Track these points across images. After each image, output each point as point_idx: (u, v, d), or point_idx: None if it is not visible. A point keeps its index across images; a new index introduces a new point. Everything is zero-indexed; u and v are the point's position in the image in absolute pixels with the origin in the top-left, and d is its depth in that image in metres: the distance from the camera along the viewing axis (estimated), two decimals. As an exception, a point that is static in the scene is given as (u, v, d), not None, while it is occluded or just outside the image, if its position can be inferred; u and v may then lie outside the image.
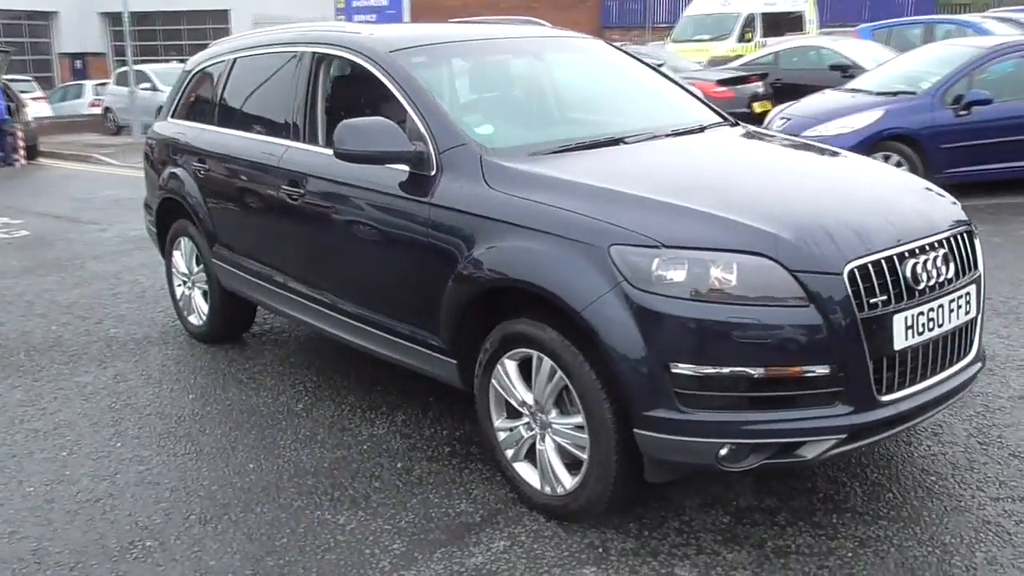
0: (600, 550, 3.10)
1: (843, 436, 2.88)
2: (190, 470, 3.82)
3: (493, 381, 3.41)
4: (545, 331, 3.14)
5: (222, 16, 33.56)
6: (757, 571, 2.95)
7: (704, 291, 2.83)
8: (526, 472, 3.39)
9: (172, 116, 5.59)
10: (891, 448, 3.73)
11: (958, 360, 3.19)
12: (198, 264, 5.29)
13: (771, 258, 2.82)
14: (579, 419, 3.10)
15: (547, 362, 3.15)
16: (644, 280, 2.87)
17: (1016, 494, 3.36)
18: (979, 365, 3.33)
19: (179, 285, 5.56)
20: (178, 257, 5.47)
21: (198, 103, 5.35)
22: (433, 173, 3.56)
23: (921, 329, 2.98)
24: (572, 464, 3.23)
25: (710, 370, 2.83)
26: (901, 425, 3.04)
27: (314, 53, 4.35)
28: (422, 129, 3.64)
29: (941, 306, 3.05)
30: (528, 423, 3.33)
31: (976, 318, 3.26)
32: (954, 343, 3.15)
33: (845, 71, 12.47)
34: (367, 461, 3.84)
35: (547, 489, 3.30)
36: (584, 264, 2.99)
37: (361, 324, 3.99)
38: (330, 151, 4.08)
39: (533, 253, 3.13)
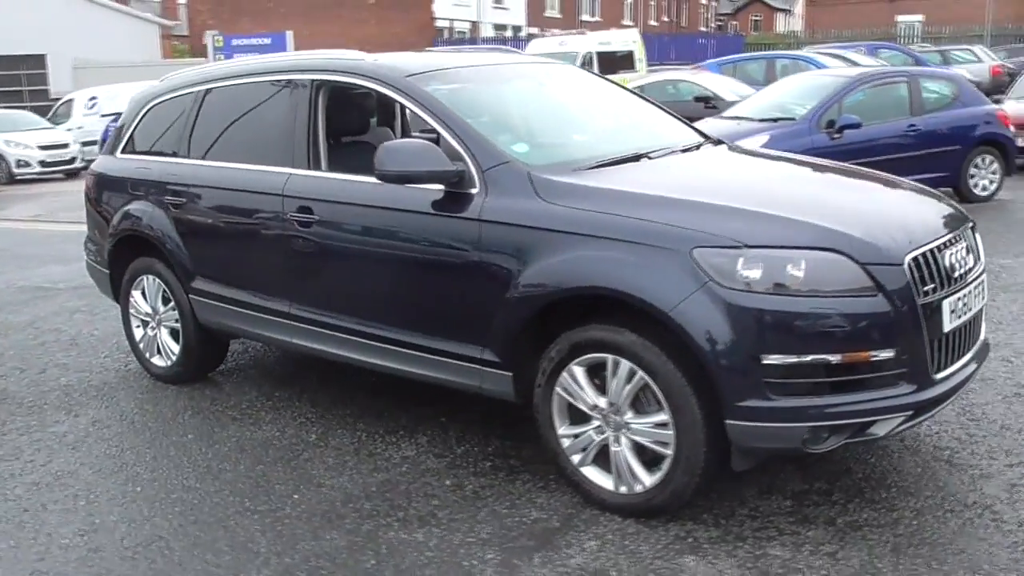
0: (690, 540, 3.26)
1: (909, 413, 3.17)
2: (233, 505, 3.70)
3: (558, 389, 3.51)
4: (623, 335, 3.29)
5: (38, 61, 31.76)
6: (841, 544, 3.18)
7: (786, 286, 3.07)
8: (595, 476, 3.50)
9: (122, 151, 5.37)
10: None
11: (975, 342, 3.57)
12: (165, 303, 5.08)
13: (843, 253, 3.09)
14: (661, 417, 3.25)
15: (625, 365, 3.29)
16: (730, 279, 3.07)
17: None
18: (987, 346, 3.73)
19: (138, 327, 5.31)
20: (138, 297, 5.23)
21: (160, 136, 5.17)
22: (476, 191, 3.65)
23: (960, 313, 3.33)
24: (648, 462, 3.36)
25: (794, 359, 3.05)
26: (945, 402, 3.36)
27: (313, 80, 4.34)
28: (460, 149, 3.72)
29: (969, 292, 3.42)
30: (599, 427, 3.45)
31: (984, 304, 3.66)
32: (974, 326, 3.53)
33: (708, 102, 13.29)
34: (414, 482, 3.84)
35: (623, 489, 3.42)
36: (667, 268, 3.16)
37: (393, 347, 3.99)
38: (343, 176, 4.13)
39: (611, 261, 3.28)
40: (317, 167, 4.27)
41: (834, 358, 3.07)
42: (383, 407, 4.66)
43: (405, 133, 5.14)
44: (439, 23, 39.47)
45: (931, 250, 3.27)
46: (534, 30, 44.88)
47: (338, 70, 4.34)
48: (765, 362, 3.05)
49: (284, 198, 4.27)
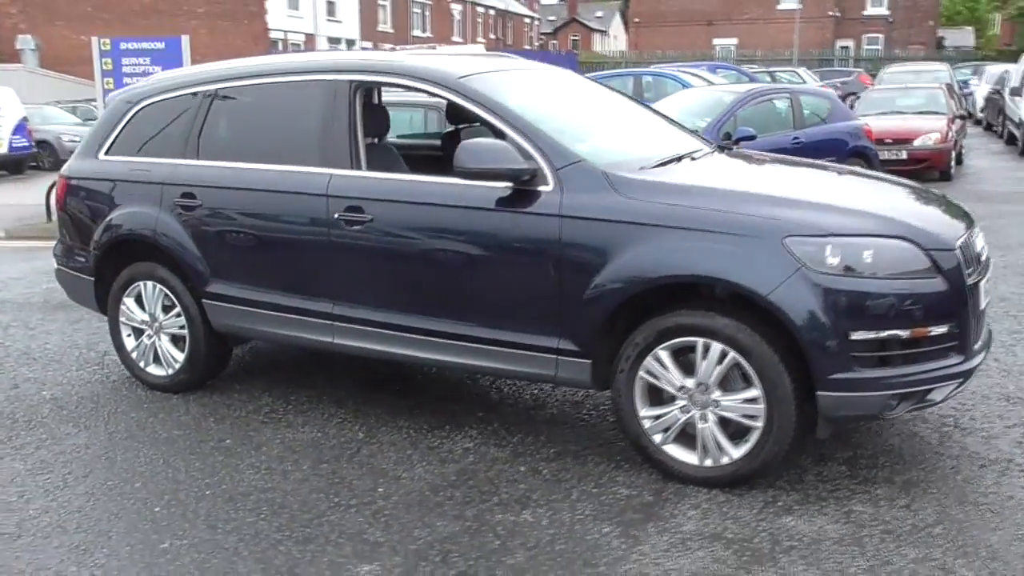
0: (780, 504, 3.58)
1: (961, 380, 3.63)
2: (322, 502, 3.71)
3: (642, 373, 3.75)
4: (714, 319, 3.58)
5: None
6: (911, 499, 3.59)
7: (866, 270, 3.45)
8: (678, 452, 3.77)
9: (105, 153, 5.16)
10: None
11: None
12: (166, 310, 4.94)
13: (910, 240, 3.52)
14: (751, 393, 3.56)
15: (716, 346, 3.58)
16: (819, 264, 3.43)
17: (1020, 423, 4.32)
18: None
19: (129, 335, 5.12)
20: (132, 305, 5.05)
21: (156, 137, 5.01)
22: (549, 188, 3.85)
23: (987, 295, 3.83)
24: (731, 436, 3.66)
25: (875, 335, 3.45)
26: (974, 374, 3.84)
27: (352, 81, 4.39)
28: (529, 148, 3.90)
29: (990, 278, 3.93)
30: (684, 406, 3.71)
31: None
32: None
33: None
34: (488, 470, 3.97)
35: (708, 462, 3.70)
36: (761, 256, 3.48)
37: (459, 342, 4.09)
38: (396, 175, 4.24)
39: (705, 251, 3.56)
40: (358, 167, 4.33)
41: (904, 333, 3.47)
42: (412, 405, 4.75)
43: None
44: (273, 34, 38.66)
45: (967, 238, 3.74)
46: (367, 44, 44.79)
47: (382, 71, 4.42)
48: (852, 338, 3.42)
49: (329, 198, 4.29)
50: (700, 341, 3.62)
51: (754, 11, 46.98)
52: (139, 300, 5.04)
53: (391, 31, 49.04)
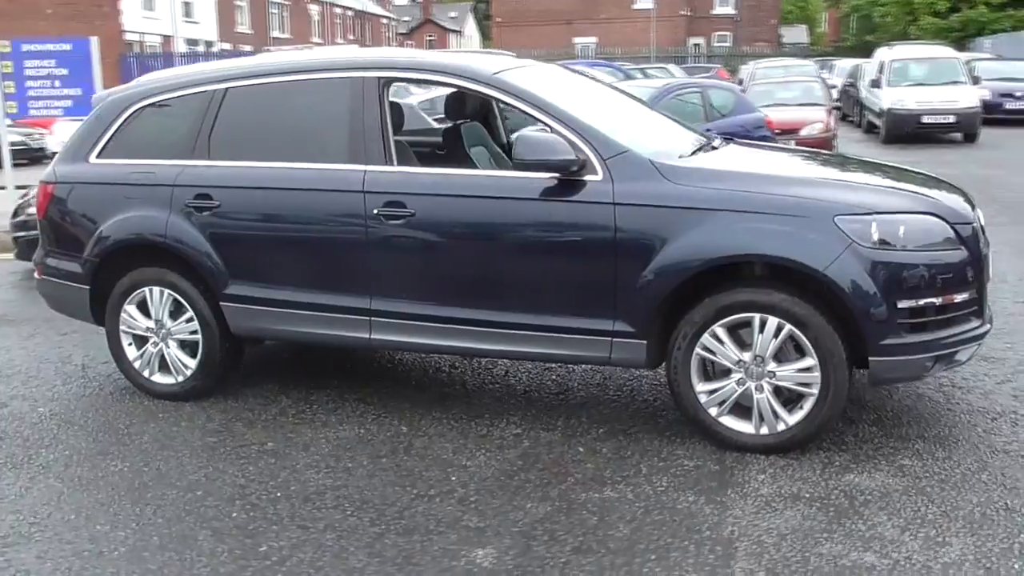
0: (836, 464, 3.86)
1: (981, 342, 4.00)
2: (397, 493, 3.74)
3: (698, 349, 3.95)
4: (771, 295, 3.83)
5: None
6: (949, 452, 3.94)
7: (907, 244, 3.77)
8: (733, 423, 3.99)
9: (98, 156, 4.97)
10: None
11: None
12: (174, 316, 4.81)
13: (940, 217, 3.86)
14: (806, 362, 3.82)
15: (773, 321, 3.83)
16: (867, 240, 3.73)
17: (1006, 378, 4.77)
18: None
19: (129, 344, 4.95)
20: (134, 312, 4.88)
21: (158, 138, 4.87)
22: (598, 178, 4.00)
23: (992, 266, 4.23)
24: (786, 403, 3.92)
25: (917, 302, 3.77)
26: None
27: (380, 78, 4.41)
28: (576, 140, 4.05)
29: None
30: (740, 379, 3.94)
31: None
32: None
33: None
34: (549, 453, 4.09)
35: (765, 430, 3.95)
36: (813, 234, 3.75)
37: (509, 330, 4.19)
38: (437, 169, 4.32)
39: (760, 231, 3.80)
40: (391, 162, 4.36)
41: (938, 300, 3.82)
42: (438, 397, 4.82)
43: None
44: (129, 36, 37.03)
45: (977, 214, 4.13)
46: (227, 45, 43.55)
47: (412, 67, 4.46)
48: (899, 306, 3.73)
49: (365, 194, 4.30)
50: (757, 316, 3.85)
51: (611, 11, 48.34)
52: (142, 307, 4.87)
53: (250, 32, 47.82)
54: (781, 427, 3.92)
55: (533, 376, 5.10)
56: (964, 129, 17.45)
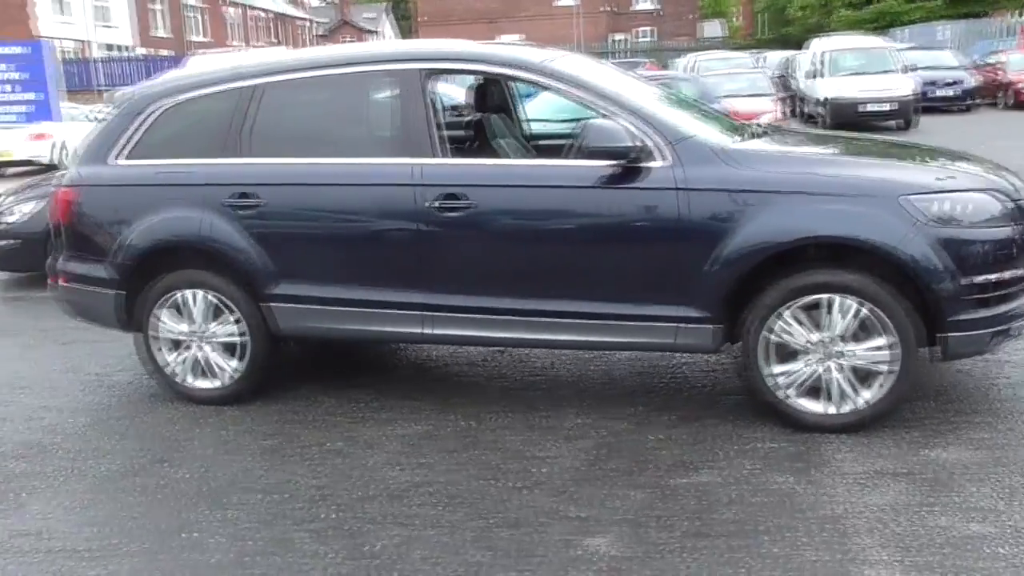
0: (911, 440, 3.95)
1: (1032, 316, 4.14)
2: (495, 488, 3.71)
3: (767, 333, 4.00)
4: (845, 275, 3.89)
5: None
6: (1013, 423, 4.06)
7: (969, 221, 3.88)
8: (806, 404, 4.05)
9: (125, 157, 4.78)
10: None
11: None
12: (214, 319, 4.66)
13: (994, 193, 3.98)
14: (879, 341, 3.90)
15: (845, 301, 3.89)
16: (932, 218, 3.82)
17: None
18: None
19: (160, 350, 4.78)
20: (167, 317, 4.72)
21: (189, 137, 4.71)
22: (661, 164, 4.02)
23: None
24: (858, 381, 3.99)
25: (981, 278, 3.88)
26: None
27: (422, 70, 4.35)
28: (640, 126, 4.06)
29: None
30: (812, 360, 3.99)
31: None
32: None
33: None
34: (623, 441, 4.09)
35: (837, 410, 4.01)
36: (880, 213, 3.83)
37: (572, 319, 4.17)
38: (495, 160, 4.30)
39: (830, 213, 3.86)
40: (442, 155, 4.31)
41: (997, 276, 3.93)
42: (485, 392, 4.80)
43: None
44: (43, 41, 35.68)
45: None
46: (144, 50, 42.38)
47: (459, 58, 4.43)
48: (966, 283, 3.83)
49: (419, 187, 4.23)
50: (827, 297, 3.91)
51: (533, 8, 48.60)
52: (177, 311, 4.71)
53: (168, 36, 46.62)
54: (854, 406, 3.99)
55: (578, 366, 5.10)
56: (902, 116, 18.06)
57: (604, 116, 4.11)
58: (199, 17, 50.69)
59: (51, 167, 18.13)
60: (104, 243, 4.77)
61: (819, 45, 20.49)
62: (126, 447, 4.34)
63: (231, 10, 54.74)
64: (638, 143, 3.99)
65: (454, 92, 7.75)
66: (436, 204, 4.20)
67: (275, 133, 4.57)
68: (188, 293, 4.66)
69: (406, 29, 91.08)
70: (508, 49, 4.53)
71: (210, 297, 4.64)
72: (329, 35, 78.75)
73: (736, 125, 4.75)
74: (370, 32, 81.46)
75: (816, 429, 4.04)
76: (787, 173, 3.98)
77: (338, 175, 4.40)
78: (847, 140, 5.14)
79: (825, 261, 3.99)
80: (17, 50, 9.81)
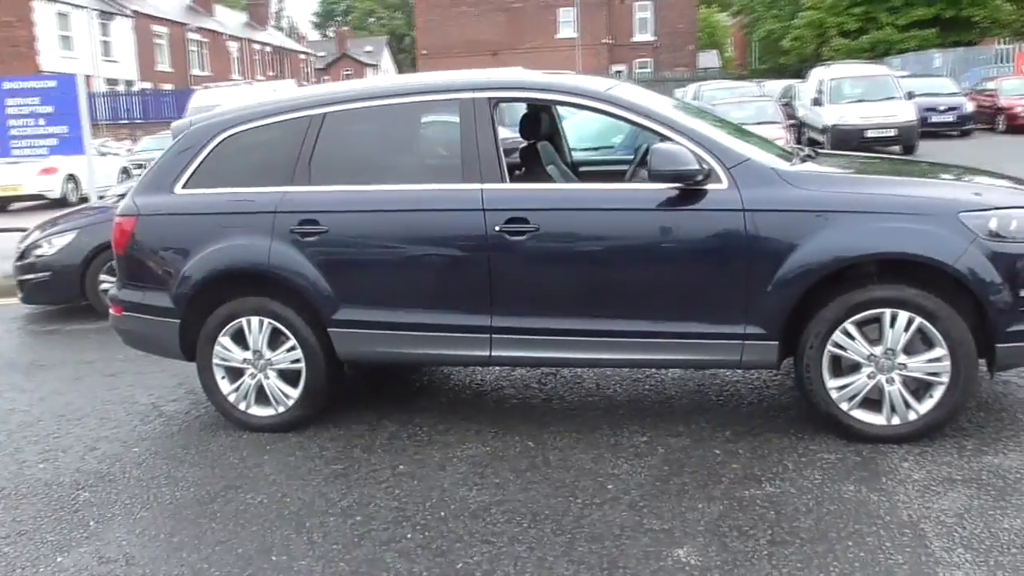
0: (969, 448, 4.05)
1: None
2: (573, 504, 3.79)
3: (829, 347, 4.11)
4: (904, 290, 4.01)
5: None
6: (1065, 430, 4.17)
7: (1020, 236, 4.00)
8: (865, 415, 4.15)
9: (183, 187, 4.90)
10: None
11: None
12: (274, 346, 4.76)
13: None
14: (935, 352, 4.01)
15: (904, 315, 4.01)
16: (988, 234, 3.95)
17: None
18: None
19: (222, 378, 4.87)
20: (229, 344, 4.81)
21: (252, 167, 4.83)
22: (722, 186, 4.15)
23: None
24: (915, 392, 4.10)
25: (1035, 290, 4.00)
26: None
27: (490, 99, 4.49)
28: (699, 151, 4.19)
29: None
30: (870, 372, 4.10)
31: None
32: None
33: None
34: (689, 457, 4.18)
35: (894, 420, 4.11)
36: (940, 230, 3.95)
37: (638, 339, 4.28)
38: (559, 185, 4.44)
39: (891, 231, 3.99)
40: (505, 180, 4.43)
41: (1049, 288, 4.05)
42: (546, 413, 4.89)
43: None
44: (73, 76, 36.01)
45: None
46: (147, 84, 42.74)
47: (528, 87, 4.59)
48: (1021, 295, 3.95)
49: (487, 211, 4.35)
50: (888, 312, 4.02)
51: (536, 40, 49.08)
52: (238, 338, 4.81)
53: (170, 70, 47.05)
54: (912, 416, 4.10)
55: (630, 386, 5.20)
56: (904, 141, 18.29)
57: (665, 140, 4.24)
58: (201, 51, 51.14)
59: (61, 201, 18.34)
60: (167, 271, 4.87)
61: (821, 73, 20.79)
62: (194, 474, 4.41)
63: (232, 44, 55.23)
64: (704, 166, 4.12)
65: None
66: (502, 228, 4.32)
67: (338, 161, 4.69)
68: (250, 320, 4.75)
69: (404, 63, 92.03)
70: (572, 78, 4.68)
71: (270, 324, 4.72)
72: (327, 68, 79.43)
73: (786, 149, 4.89)
74: (371, 65, 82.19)
75: (876, 440, 4.14)
76: (846, 193, 4.11)
77: (403, 201, 4.52)
78: (890, 161, 5.29)
79: (883, 276, 4.10)
80: (45, 84, 9.91)
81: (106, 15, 40.78)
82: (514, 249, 4.34)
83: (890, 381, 4.10)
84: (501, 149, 4.46)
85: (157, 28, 46.39)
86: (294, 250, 4.62)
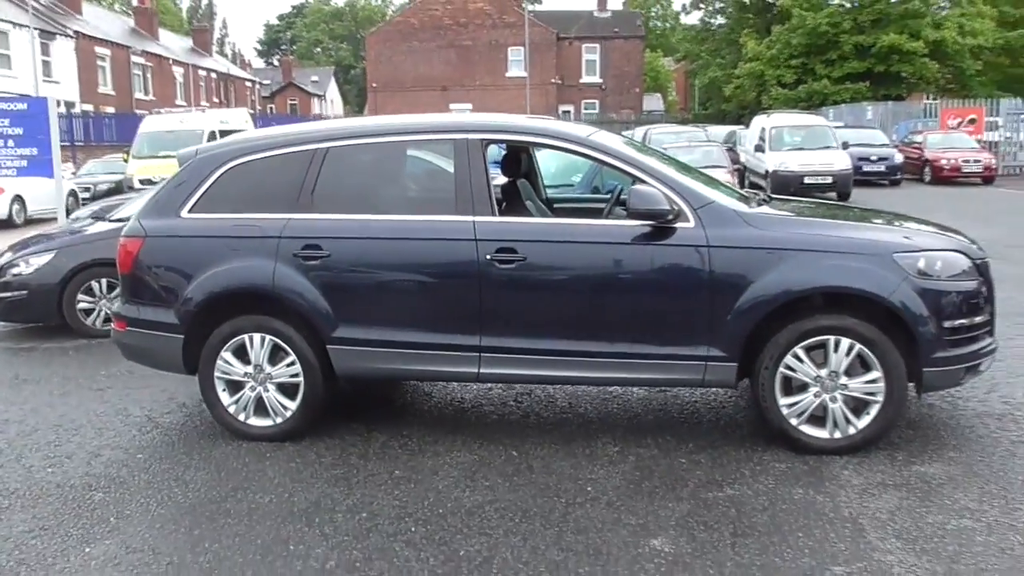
0: (899, 459, 4.63)
1: (994, 355, 4.89)
2: (558, 504, 4.24)
3: (782, 368, 4.67)
4: (845, 319, 4.60)
5: None
6: (982, 445, 4.77)
7: (944, 275, 4.64)
8: (811, 430, 4.71)
9: (189, 211, 5.29)
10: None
11: None
12: (273, 361, 5.16)
13: (963, 253, 4.75)
14: (872, 375, 4.59)
15: (845, 341, 4.59)
16: (917, 273, 4.57)
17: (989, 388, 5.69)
18: None
19: (223, 391, 5.24)
20: (230, 359, 5.18)
21: (255, 194, 5.23)
22: (689, 225, 4.71)
23: None
24: (854, 410, 4.67)
25: (957, 322, 4.62)
26: None
27: (483, 140, 4.99)
28: (669, 192, 4.74)
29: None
30: (816, 391, 4.67)
31: None
32: None
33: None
34: (657, 465, 4.68)
35: (836, 435, 4.68)
36: (878, 268, 4.56)
37: (613, 359, 4.78)
38: (545, 219, 4.95)
39: (836, 268, 4.58)
40: (495, 213, 4.93)
41: (967, 320, 4.68)
42: (526, 427, 5.35)
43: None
44: (46, 98, 35.51)
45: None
46: (88, 106, 42.38)
47: (517, 131, 5.12)
48: (945, 325, 4.57)
49: (478, 242, 4.83)
50: (832, 338, 4.60)
51: (485, 78, 49.98)
52: (239, 353, 5.18)
53: (112, 93, 46.69)
54: (852, 431, 4.67)
55: (600, 404, 5.70)
56: (839, 188, 19.29)
57: (640, 182, 4.78)
58: (145, 75, 50.85)
59: (6, 222, 18.27)
60: (172, 290, 5.23)
61: (763, 121, 21.78)
62: (202, 477, 4.75)
63: (177, 68, 55.04)
64: (675, 207, 4.66)
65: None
66: (493, 256, 4.80)
67: (340, 191, 5.14)
68: (252, 336, 5.14)
69: (350, 94, 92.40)
70: (557, 124, 5.23)
71: (271, 340, 5.12)
72: (273, 97, 79.40)
73: (743, 193, 5.48)
74: (316, 96, 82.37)
75: (820, 452, 4.69)
76: (798, 233, 4.70)
77: (402, 229, 4.97)
78: (833, 207, 5.91)
79: (827, 307, 4.68)
80: (15, 106, 10.11)
81: (47, 34, 40.42)
82: (503, 276, 4.82)
83: (833, 400, 4.66)
84: (491, 185, 4.96)
85: (100, 50, 46.04)
86: (297, 272, 5.03)
